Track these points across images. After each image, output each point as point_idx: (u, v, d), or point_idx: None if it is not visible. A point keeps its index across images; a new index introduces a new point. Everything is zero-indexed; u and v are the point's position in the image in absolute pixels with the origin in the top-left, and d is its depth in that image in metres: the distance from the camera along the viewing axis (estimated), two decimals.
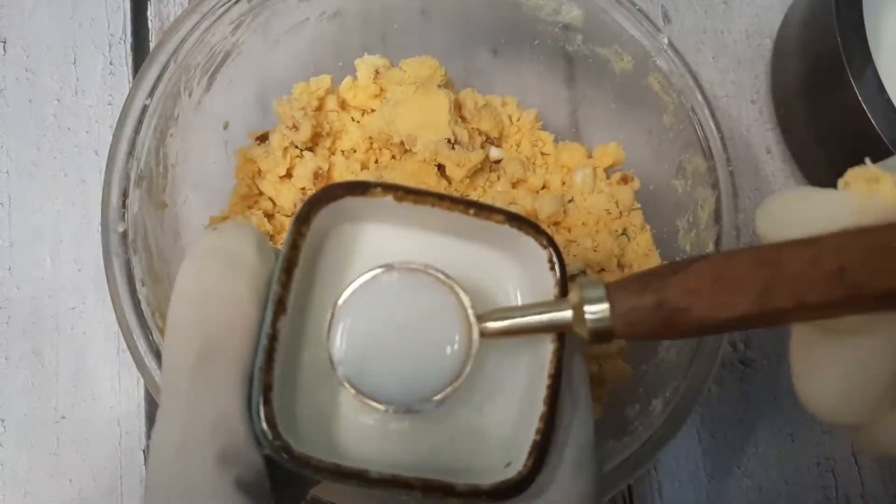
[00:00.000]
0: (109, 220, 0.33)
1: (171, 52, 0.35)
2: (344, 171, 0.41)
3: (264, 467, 0.22)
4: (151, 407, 0.43)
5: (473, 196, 0.41)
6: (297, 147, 0.40)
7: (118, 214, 0.33)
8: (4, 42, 0.47)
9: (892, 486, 0.46)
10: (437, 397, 0.23)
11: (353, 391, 0.23)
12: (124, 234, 0.33)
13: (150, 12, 0.47)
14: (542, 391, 0.23)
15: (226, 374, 0.22)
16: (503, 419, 0.25)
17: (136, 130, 0.34)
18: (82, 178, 0.46)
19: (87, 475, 0.43)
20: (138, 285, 0.33)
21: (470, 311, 0.23)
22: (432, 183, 0.40)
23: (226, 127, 0.40)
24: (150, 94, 0.35)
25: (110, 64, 0.47)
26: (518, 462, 0.23)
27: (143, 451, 0.43)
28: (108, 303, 0.34)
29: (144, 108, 0.35)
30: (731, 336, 0.47)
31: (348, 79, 0.42)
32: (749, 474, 0.46)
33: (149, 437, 0.44)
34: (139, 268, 0.34)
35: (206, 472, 0.21)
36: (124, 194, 0.34)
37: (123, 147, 0.34)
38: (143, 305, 0.33)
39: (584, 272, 0.38)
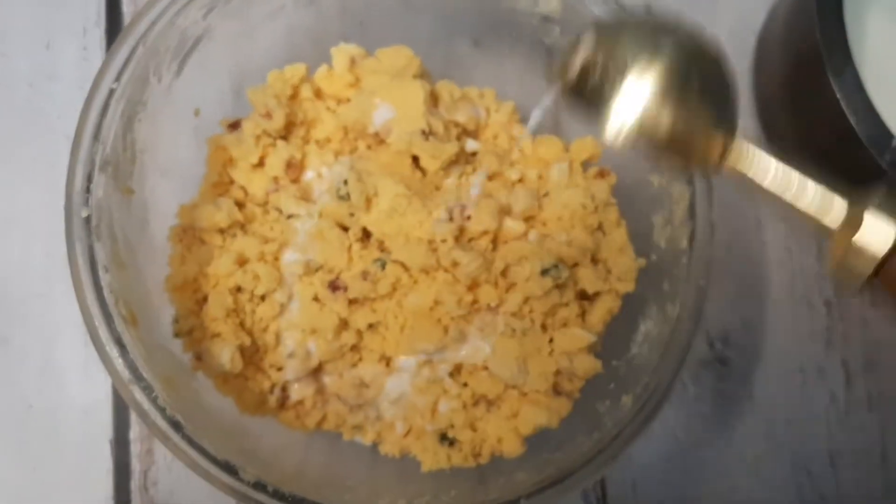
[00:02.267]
0: (73, 204, 0.33)
1: (140, 35, 0.34)
2: (317, 161, 0.40)
3: None
4: (118, 397, 0.43)
5: (449, 186, 0.40)
6: (269, 135, 0.40)
7: (82, 199, 0.33)
8: None
9: (867, 486, 0.46)
10: None
11: None
12: (88, 220, 0.33)
13: None
14: None
15: None
16: None
17: (102, 115, 0.34)
18: (53, 163, 0.45)
19: (54, 464, 0.43)
20: (101, 272, 0.33)
21: None
22: (407, 173, 0.39)
23: (197, 113, 0.40)
24: (118, 78, 0.34)
25: (84, 49, 0.46)
26: None
27: (110, 442, 0.43)
28: None
29: (111, 92, 0.34)
30: (708, 335, 0.47)
31: (323, 67, 0.41)
32: (724, 473, 0.46)
33: (116, 426, 0.43)
34: (103, 254, 0.33)
35: None
36: (89, 179, 0.33)
37: (89, 131, 0.33)
38: (106, 292, 0.33)
39: (556, 266, 0.37)
